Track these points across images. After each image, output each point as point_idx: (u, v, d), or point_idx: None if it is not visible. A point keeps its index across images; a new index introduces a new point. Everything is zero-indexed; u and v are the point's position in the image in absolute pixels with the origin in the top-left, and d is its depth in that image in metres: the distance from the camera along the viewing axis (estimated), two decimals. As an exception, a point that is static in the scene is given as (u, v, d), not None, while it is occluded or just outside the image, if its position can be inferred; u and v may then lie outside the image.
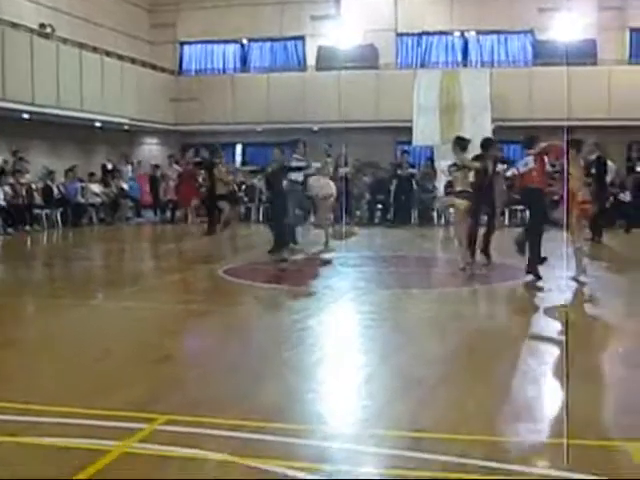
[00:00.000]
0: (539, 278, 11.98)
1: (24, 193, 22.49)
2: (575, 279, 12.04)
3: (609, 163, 20.24)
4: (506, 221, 22.81)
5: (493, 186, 13.98)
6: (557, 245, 12.33)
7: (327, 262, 15.32)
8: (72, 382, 6.55)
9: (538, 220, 12.41)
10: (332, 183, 17.76)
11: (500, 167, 14.22)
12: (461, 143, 13.67)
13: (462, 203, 13.43)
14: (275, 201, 15.98)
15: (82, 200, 24.88)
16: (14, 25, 22.31)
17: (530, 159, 12.35)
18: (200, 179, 21.64)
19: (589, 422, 5.37)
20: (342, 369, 7.22)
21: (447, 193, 16.17)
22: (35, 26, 23.51)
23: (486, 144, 13.98)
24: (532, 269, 12.09)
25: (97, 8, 27.73)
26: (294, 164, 16.11)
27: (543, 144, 12.38)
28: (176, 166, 26.02)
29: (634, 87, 26.01)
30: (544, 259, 12.29)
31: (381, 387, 6.50)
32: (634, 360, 7.36)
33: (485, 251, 13.79)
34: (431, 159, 26.72)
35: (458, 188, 13.59)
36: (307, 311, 9.80)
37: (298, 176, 16.23)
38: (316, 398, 6.19)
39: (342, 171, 22.75)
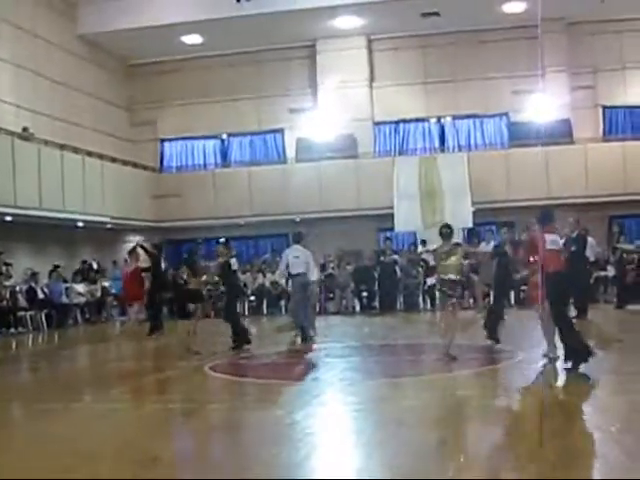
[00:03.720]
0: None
1: (8, 296, 22.41)
2: (546, 356, 12.01)
3: (589, 239, 20.35)
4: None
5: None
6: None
7: (314, 353, 15.28)
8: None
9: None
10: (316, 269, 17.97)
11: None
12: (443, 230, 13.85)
13: None
14: (227, 296, 16.56)
15: (66, 300, 24.78)
16: (-6, 129, 22.52)
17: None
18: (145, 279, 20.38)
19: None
20: (328, 465, 7.13)
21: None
22: (16, 129, 23.70)
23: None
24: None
25: (76, 109, 28.15)
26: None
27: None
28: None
29: (610, 163, 26.42)
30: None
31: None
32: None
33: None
34: (414, 245, 26.90)
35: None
36: (293, 405, 9.74)
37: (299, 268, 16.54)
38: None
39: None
